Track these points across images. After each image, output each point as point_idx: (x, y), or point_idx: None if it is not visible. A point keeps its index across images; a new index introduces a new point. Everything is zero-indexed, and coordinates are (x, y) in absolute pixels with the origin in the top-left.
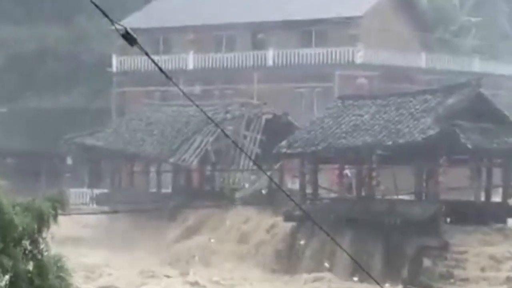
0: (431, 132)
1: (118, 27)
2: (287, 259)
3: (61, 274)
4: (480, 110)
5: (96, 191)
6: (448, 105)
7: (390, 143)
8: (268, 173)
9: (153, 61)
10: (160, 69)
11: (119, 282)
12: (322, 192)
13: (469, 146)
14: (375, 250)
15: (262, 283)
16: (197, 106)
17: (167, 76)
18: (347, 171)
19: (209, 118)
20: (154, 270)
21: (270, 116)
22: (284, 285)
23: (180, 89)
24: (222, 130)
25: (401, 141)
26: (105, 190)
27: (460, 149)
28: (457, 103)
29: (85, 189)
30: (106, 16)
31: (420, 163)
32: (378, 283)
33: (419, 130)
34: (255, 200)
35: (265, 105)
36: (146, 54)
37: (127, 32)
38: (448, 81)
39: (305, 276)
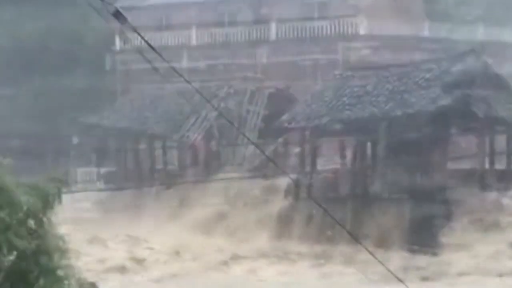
0: (443, 102)
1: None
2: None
3: (65, 254)
4: (484, 77)
5: (103, 170)
6: (454, 73)
7: (399, 113)
8: (272, 146)
9: (143, 38)
10: (150, 45)
11: None
12: (323, 166)
13: (480, 115)
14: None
15: None
16: (188, 82)
17: (157, 53)
18: None
19: (202, 96)
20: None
21: (273, 90)
22: None
23: (171, 66)
24: (217, 109)
25: (410, 111)
26: (112, 168)
27: (469, 118)
28: (462, 71)
29: (92, 168)
30: None
31: (429, 132)
32: (371, 254)
33: (429, 99)
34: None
35: (269, 80)
36: (136, 32)
37: (117, 11)
38: (452, 50)
39: None
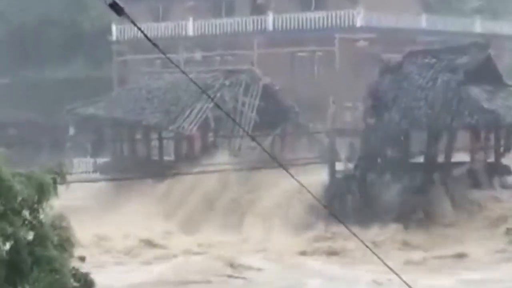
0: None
1: None
2: None
3: (62, 243)
4: (487, 70)
5: (99, 160)
6: (459, 66)
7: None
8: (270, 138)
9: (139, 29)
10: (146, 36)
11: None
12: None
13: (500, 112)
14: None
15: None
16: (184, 73)
17: (153, 44)
18: None
19: (198, 87)
20: None
21: (267, 82)
22: None
23: (166, 56)
24: (213, 100)
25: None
26: (108, 159)
27: (471, 111)
28: (466, 64)
29: (88, 158)
30: None
31: (435, 128)
32: (351, 231)
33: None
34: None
35: (265, 71)
36: (133, 23)
37: (114, 2)
38: (450, 43)
39: None
